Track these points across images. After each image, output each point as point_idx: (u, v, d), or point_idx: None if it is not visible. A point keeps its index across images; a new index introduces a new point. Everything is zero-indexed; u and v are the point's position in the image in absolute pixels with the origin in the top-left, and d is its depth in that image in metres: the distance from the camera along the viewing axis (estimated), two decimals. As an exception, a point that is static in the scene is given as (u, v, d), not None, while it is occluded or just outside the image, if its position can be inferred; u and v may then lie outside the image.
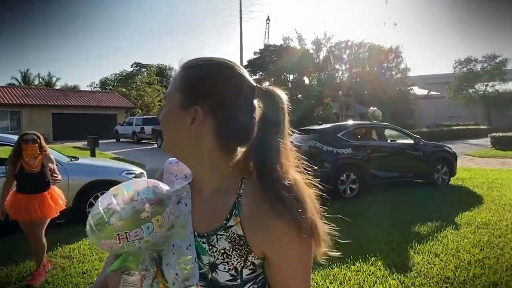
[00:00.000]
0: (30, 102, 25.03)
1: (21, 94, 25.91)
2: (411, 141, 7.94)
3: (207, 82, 0.77)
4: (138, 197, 0.73)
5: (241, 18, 55.44)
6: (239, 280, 0.74)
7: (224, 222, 0.75)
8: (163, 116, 0.80)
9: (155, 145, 20.22)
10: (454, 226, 4.82)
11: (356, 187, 7.08)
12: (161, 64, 39.16)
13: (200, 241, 0.77)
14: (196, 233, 0.78)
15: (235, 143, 0.79)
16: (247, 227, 0.73)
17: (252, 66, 31.59)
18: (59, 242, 4.27)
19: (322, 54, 40.23)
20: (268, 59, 30.78)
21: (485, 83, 42.38)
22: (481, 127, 34.13)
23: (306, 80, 31.99)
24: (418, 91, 50.17)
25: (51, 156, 3.67)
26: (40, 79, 41.88)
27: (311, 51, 36.85)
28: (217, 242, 0.75)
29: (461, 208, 5.74)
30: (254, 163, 0.77)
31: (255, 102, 0.79)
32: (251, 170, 0.77)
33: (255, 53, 32.53)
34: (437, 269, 3.43)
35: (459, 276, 3.25)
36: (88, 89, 38.21)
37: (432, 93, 54.74)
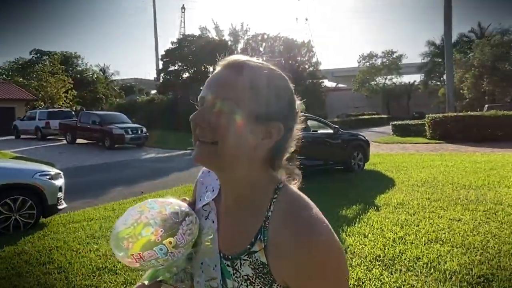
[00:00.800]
0: None
1: None
2: (331, 131, 8.51)
3: (282, 97, 0.72)
4: (148, 219, 0.74)
5: (154, 5, 52.80)
6: None
7: (248, 246, 0.69)
8: (227, 122, 0.68)
9: (64, 141, 18.42)
10: (375, 207, 5.32)
11: (285, 176, 7.35)
12: (66, 52, 35.48)
13: (225, 263, 0.73)
14: (221, 254, 0.74)
15: (280, 160, 0.76)
16: (271, 255, 0.67)
17: (170, 56, 30.51)
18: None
19: (240, 46, 40.60)
20: (187, 50, 30.00)
21: (384, 77, 47.29)
22: (382, 116, 38.10)
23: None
24: (327, 83, 53.88)
25: None
26: None
27: (229, 42, 36.92)
28: (241, 267, 0.70)
29: (378, 191, 6.36)
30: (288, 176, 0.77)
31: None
32: (282, 186, 0.73)
33: (172, 43, 31.47)
34: (368, 249, 3.75)
35: (388, 253, 3.60)
36: (-25, 78, 32.91)
37: (340, 85, 59.35)
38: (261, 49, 45.90)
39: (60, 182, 5.31)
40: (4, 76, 32.30)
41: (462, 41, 39.81)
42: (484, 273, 3.07)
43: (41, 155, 13.35)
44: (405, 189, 6.51)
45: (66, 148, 16.64)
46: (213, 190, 0.83)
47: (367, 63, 46.47)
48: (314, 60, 46.54)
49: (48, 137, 19.74)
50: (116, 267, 3.54)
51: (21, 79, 29.05)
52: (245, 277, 0.69)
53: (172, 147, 16.54)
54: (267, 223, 0.69)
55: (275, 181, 0.74)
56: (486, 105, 23.82)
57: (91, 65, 38.76)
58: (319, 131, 8.55)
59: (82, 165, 11.60)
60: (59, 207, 5.24)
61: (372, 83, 46.48)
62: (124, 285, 3.18)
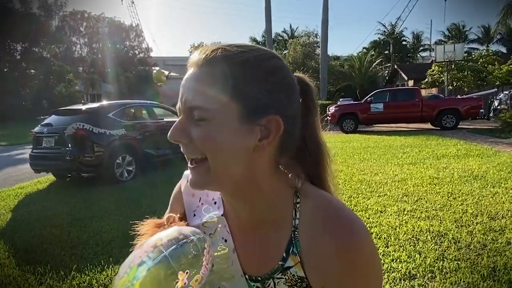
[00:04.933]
0: None
1: None
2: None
3: (275, 83, 0.58)
4: (168, 261, 0.56)
5: None
6: None
7: (281, 263, 0.61)
8: (212, 131, 0.55)
9: None
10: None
11: (133, 168, 6.84)
12: None
13: (254, 285, 0.65)
14: (247, 276, 0.65)
15: (287, 157, 0.64)
16: (309, 267, 0.60)
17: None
18: None
19: (55, 23, 35.12)
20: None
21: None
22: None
23: (39, 52, 27.05)
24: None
25: None
26: None
27: (40, 17, 31.31)
28: (275, 287, 0.63)
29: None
30: (307, 173, 0.65)
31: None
32: (301, 186, 0.63)
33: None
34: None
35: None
36: None
37: (172, 74, 58.94)
38: (82, 29, 40.95)
39: None
40: None
41: (278, 39, 45.40)
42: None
43: None
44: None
45: None
46: (215, 203, 0.70)
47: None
48: (144, 46, 44.62)
49: None
50: None
51: None
52: None
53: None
54: (296, 233, 0.61)
55: (291, 183, 0.64)
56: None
57: None
58: (165, 119, 8.29)
59: None
60: None
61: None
62: None
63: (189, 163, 0.60)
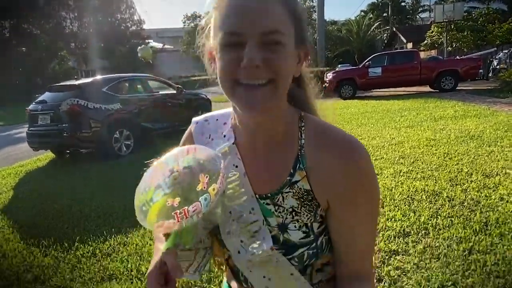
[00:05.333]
0: None
1: None
2: (174, 91, 8.29)
3: (306, 19, 0.71)
4: (187, 168, 0.64)
5: None
6: (312, 236, 0.70)
7: (289, 178, 0.68)
8: (282, 55, 0.61)
9: None
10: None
11: (131, 142, 6.86)
12: None
13: (264, 203, 0.70)
14: (257, 195, 0.70)
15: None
16: (314, 180, 0.67)
17: None
18: None
19: (42, -2, 34.02)
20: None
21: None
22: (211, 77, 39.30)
23: (28, 28, 26.38)
24: (154, 45, 51.60)
25: None
26: None
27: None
28: (284, 201, 0.69)
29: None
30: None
31: None
32: (304, 114, 0.72)
33: None
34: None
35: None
36: None
37: (167, 46, 57.78)
38: (71, 3, 39.75)
39: None
40: None
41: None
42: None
43: None
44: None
45: None
46: (224, 136, 0.76)
47: (192, 24, 46.47)
48: (136, 18, 43.46)
49: None
50: None
51: None
52: (290, 210, 0.68)
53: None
54: (302, 151, 0.68)
55: (296, 109, 0.73)
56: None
57: None
58: (161, 92, 8.21)
59: None
60: None
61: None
62: None
63: (244, 88, 0.62)
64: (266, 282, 0.72)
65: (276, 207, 0.69)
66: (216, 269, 0.83)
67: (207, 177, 0.63)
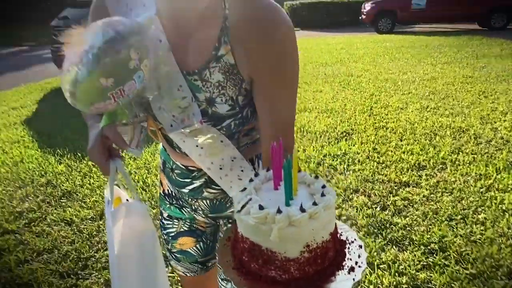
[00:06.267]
0: None
1: None
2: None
3: None
4: (109, 43, 0.58)
5: None
6: (237, 108, 0.73)
7: (214, 52, 0.67)
8: None
9: None
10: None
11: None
12: None
13: (191, 79, 0.70)
14: (185, 72, 0.70)
15: None
16: (237, 54, 0.67)
17: None
18: None
19: None
20: None
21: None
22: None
23: None
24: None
25: None
26: None
27: None
28: (211, 76, 0.69)
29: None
30: None
31: None
32: None
33: None
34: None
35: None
36: None
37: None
38: None
39: None
40: None
41: None
42: (345, 130, 3.53)
43: None
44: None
45: None
46: (144, 6, 0.69)
47: None
48: None
49: None
50: None
51: None
52: (216, 84, 0.69)
53: (-1, 43, 13.25)
54: (227, 23, 0.66)
55: None
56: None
57: None
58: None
59: None
60: None
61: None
62: None
63: None
64: (198, 150, 0.75)
65: (204, 83, 0.70)
66: (152, 138, 0.84)
67: (137, 53, 0.60)
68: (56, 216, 2.35)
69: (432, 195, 2.32)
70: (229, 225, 0.89)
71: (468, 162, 2.69)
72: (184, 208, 0.96)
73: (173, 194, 0.95)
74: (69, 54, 0.61)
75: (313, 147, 3.16)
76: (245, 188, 0.57)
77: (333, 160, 2.89)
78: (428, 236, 1.94)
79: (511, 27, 11.63)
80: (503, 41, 8.64)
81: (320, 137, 3.39)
